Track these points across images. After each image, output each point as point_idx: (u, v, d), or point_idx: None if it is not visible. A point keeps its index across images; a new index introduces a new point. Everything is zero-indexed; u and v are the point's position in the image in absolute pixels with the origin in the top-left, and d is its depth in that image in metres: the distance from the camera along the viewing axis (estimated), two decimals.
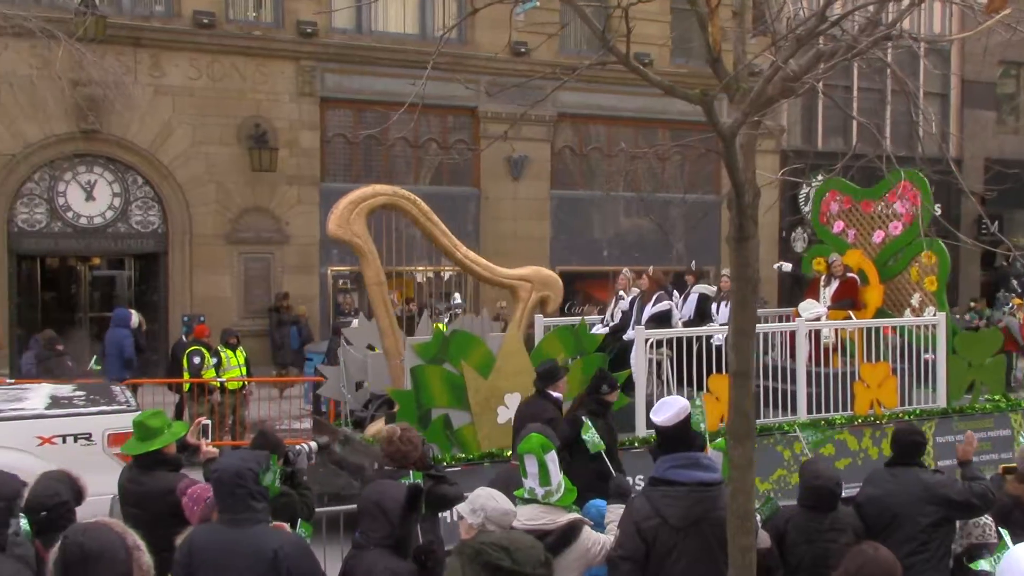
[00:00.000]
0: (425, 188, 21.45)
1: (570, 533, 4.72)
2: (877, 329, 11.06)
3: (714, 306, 12.39)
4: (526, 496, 4.82)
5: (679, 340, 10.26)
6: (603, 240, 23.14)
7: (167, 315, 19.08)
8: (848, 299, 11.90)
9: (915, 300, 11.95)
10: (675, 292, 12.64)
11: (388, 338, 9.91)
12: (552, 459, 4.81)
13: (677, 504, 4.75)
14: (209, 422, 7.95)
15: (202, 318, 16.63)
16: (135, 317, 15.34)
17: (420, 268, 20.87)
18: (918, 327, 11.20)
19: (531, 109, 6.30)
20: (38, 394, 9.44)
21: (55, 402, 9.11)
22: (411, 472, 5.36)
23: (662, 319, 10.88)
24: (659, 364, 10.52)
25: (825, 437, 10.00)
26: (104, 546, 3.48)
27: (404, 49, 20.38)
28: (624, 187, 21.37)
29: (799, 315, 11.71)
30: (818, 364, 10.82)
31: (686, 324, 11.86)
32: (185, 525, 4.84)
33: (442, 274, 21.94)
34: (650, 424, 9.34)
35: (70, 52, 15.84)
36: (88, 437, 8.49)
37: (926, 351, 11.02)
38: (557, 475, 4.81)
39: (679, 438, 4.96)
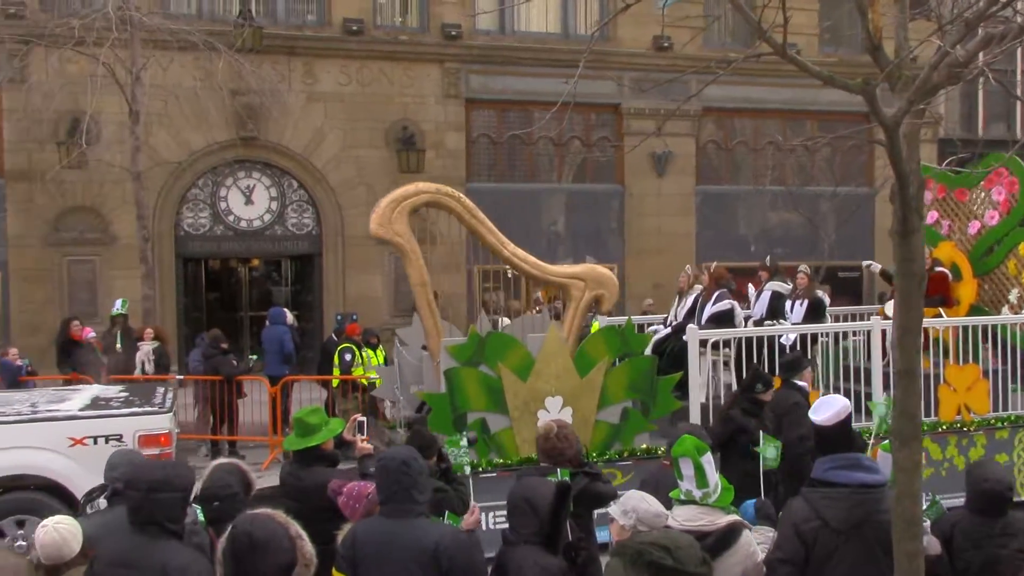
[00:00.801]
0: (568, 186, 21.58)
1: (730, 535, 4.65)
2: (968, 328, 10.24)
3: (787, 304, 11.56)
4: (682, 498, 4.78)
5: (741, 340, 9.95)
6: (749, 235, 22.69)
7: (321, 314, 19.72)
8: (937, 295, 11.13)
9: (1013, 296, 11.11)
10: (753, 288, 12.24)
11: (433, 339, 9.58)
12: (708, 461, 4.76)
13: (838, 506, 4.63)
14: (365, 419, 8.15)
15: (355, 316, 17.10)
16: (289, 316, 15.91)
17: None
18: (1015, 325, 10.44)
19: (684, 104, 6.23)
20: (82, 395, 9.64)
21: (94, 403, 9.22)
22: (559, 470, 5.38)
23: (723, 318, 10.44)
24: (725, 365, 10.21)
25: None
26: (270, 535, 3.66)
27: (547, 48, 20.50)
28: (772, 181, 20.94)
29: (884, 314, 11.10)
30: None
31: (757, 323, 11.34)
32: (344, 520, 4.97)
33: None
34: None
35: (230, 63, 16.61)
36: (119, 438, 8.51)
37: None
38: (714, 476, 4.75)
39: (839, 438, 4.82)
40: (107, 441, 8.49)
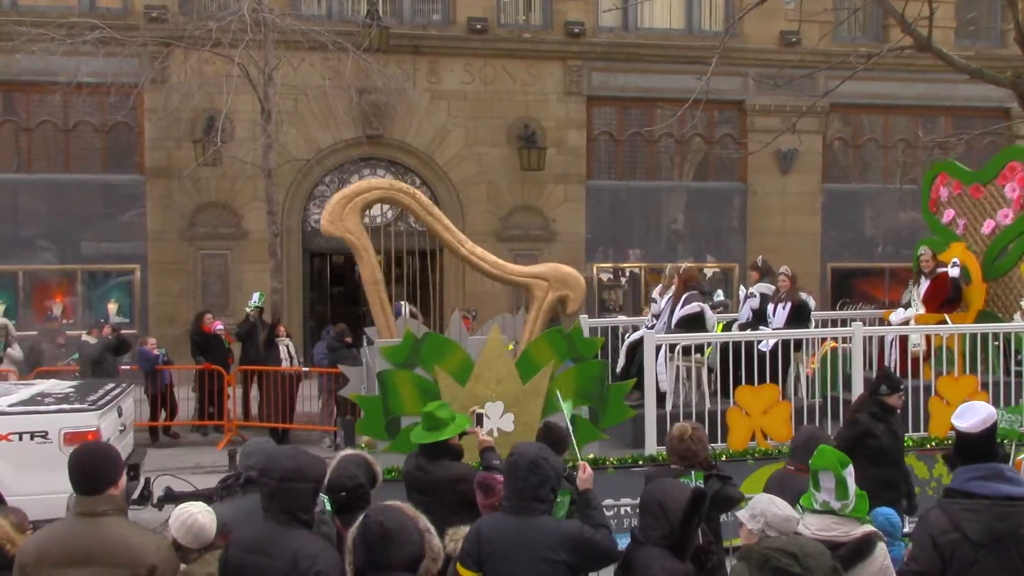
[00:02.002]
0: (689, 184, 21.33)
1: (864, 546, 4.51)
2: (976, 336, 9.52)
3: (769, 307, 10.73)
4: (817, 508, 4.65)
5: (723, 345, 9.53)
6: (877, 235, 22.03)
7: (442, 311, 19.96)
8: (942, 300, 10.46)
9: None
10: (745, 289, 11.63)
11: (385, 339, 9.14)
12: (850, 473, 4.61)
13: (979, 519, 4.44)
14: (483, 411, 8.19)
15: (474, 312, 17.27)
16: (406, 309, 16.15)
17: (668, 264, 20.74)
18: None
19: (820, 99, 6.07)
20: (27, 391, 9.66)
21: (31, 400, 9.19)
22: (693, 473, 5.32)
23: (692, 322, 9.81)
24: (696, 372, 9.70)
25: None
26: (401, 526, 3.73)
27: (670, 45, 20.32)
28: (903, 180, 20.27)
29: (888, 321, 10.66)
30: (904, 375, 9.48)
31: (742, 327, 10.77)
32: (471, 514, 5.02)
33: (704, 270, 21.72)
34: (660, 442, 8.65)
35: (357, 62, 16.98)
36: (44, 435, 8.50)
37: None
38: (853, 487, 4.61)
39: (982, 447, 4.61)
40: (32, 438, 8.53)
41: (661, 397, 9.19)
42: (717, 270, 21.78)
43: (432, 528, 3.97)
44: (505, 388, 8.40)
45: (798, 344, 9.80)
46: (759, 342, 9.44)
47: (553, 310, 9.18)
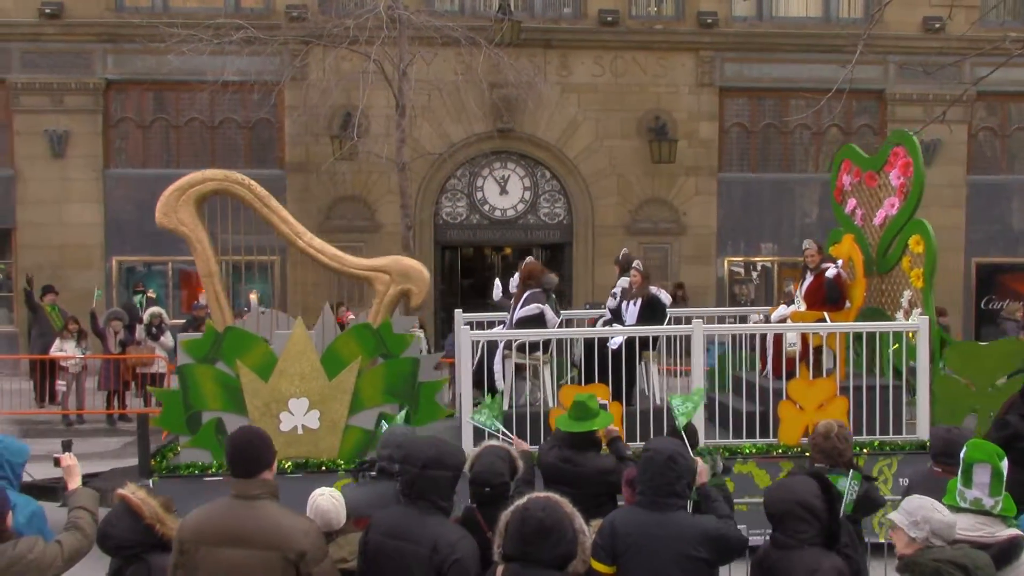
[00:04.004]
0: (824, 176, 20.67)
1: (1011, 549, 4.34)
2: (850, 335, 9.00)
3: (623, 305, 10.08)
4: (965, 506, 4.50)
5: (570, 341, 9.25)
6: None
7: (570, 302, 20.03)
8: (824, 296, 9.73)
9: (905, 299, 9.44)
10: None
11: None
12: (1005, 467, 4.46)
13: None
14: (606, 402, 8.19)
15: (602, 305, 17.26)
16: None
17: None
18: (894, 334, 8.92)
19: (971, 88, 5.84)
20: None
21: None
22: (850, 473, 5.21)
23: (531, 323, 9.27)
24: (536, 370, 9.21)
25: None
26: (558, 523, 3.76)
27: (806, 33, 19.86)
28: None
29: (767, 318, 10.06)
30: (779, 376, 9.03)
31: (606, 324, 10.21)
32: (613, 507, 5.03)
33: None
34: (477, 442, 8.02)
35: (489, 57, 17.15)
36: None
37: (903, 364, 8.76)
38: (1003, 484, 4.46)
39: None
40: None
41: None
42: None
43: (587, 529, 3.98)
44: (310, 384, 8.20)
45: (651, 342, 9.36)
46: (609, 339, 9.04)
47: (396, 303, 8.94)
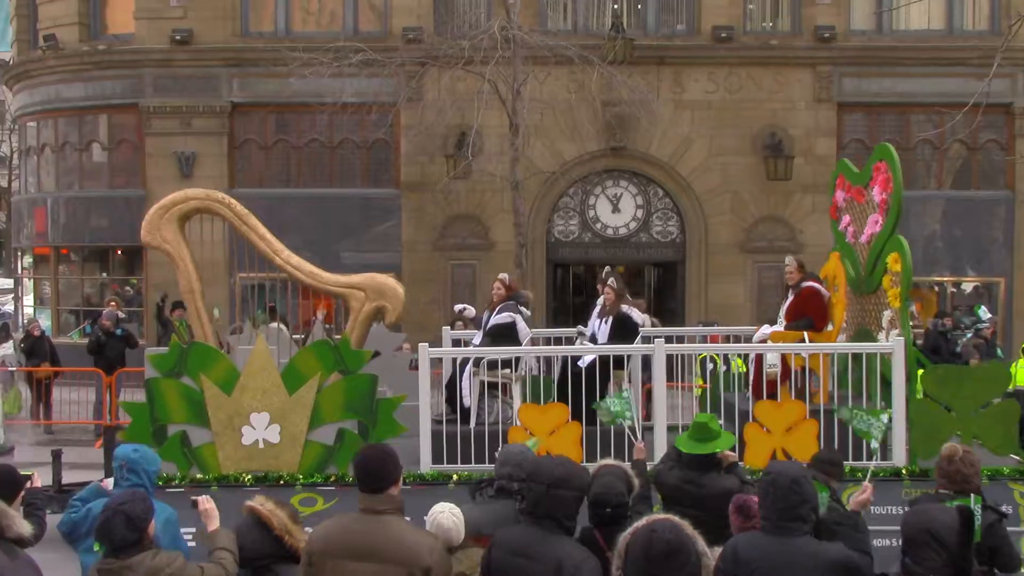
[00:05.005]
0: (947, 193, 20.16)
1: None
2: (829, 357, 8.58)
3: (596, 322, 9.79)
4: None
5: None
6: None
7: (683, 321, 19.84)
8: (805, 316, 9.23)
9: (885, 319, 8.81)
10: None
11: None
12: None
13: None
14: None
15: (716, 323, 17.06)
16: (647, 321, 16.14)
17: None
18: (868, 356, 8.34)
19: None
20: None
21: None
22: (972, 496, 5.02)
23: (502, 333, 9.17)
24: (504, 388, 8.98)
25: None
26: (684, 545, 3.71)
27: (928, 47, 19.35)
28: None
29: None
30: (759, 398, 8.60)
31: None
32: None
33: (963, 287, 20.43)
34: (436, 459, 8.26)
35: (602, 75, 17.18)
36: None
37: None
38: None
39: None
40: None
41: (466, 413, 8.85)
42: (979, 284, 20.44)
43: (708, 552, 3.93)
44: (270, 399, 8.24)
45: (620, 361, 9.03)
46: (578, 358, 8.81)
47: (372, 321, 8.90)
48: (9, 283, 33.53)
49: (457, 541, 4.79)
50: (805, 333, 9.08)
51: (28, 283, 23.96)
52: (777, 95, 19.70)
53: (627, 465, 5.49)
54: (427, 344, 8.79)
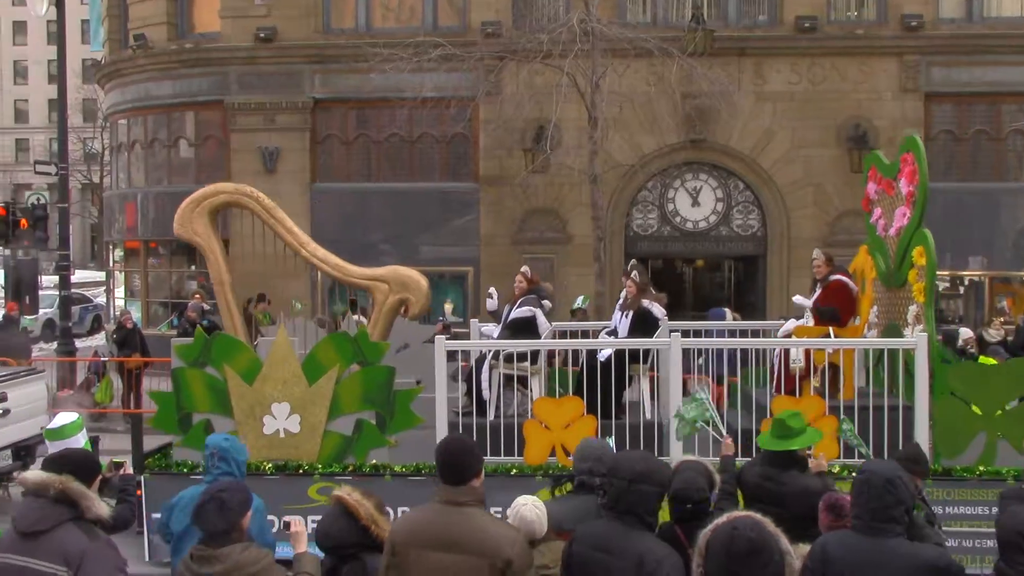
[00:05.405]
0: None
1: None
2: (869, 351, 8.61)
3: (617, 315, 9.75)
4: None
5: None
6: None
7: (764, 315, 19.56)
8: (830, 310, 9.05)
9: (911, 314, 8.58)
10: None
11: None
12: None
13: None
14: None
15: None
16: (730, 316, 15.94)
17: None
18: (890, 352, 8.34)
19: None
20: None
21: None
22: None
23: (522, 327, 9.30)
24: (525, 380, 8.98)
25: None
26: (767, 543, 3.65)
27: (1020, 35, 18.77)
28: None
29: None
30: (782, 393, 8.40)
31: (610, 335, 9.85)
32: (815, 530, 4.86)
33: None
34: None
35: (681, 67, 17.01)
36: None
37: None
38: None
39: None
40: None
41: (485, 405, 8.93)
42: None
43: (791, 550, 3.85)
44: (291, 389, 8.40)
45: (643, 355, 9.01)
46: (598, 352, 8.86)
47: (396, 313, 9.10)
48: (101, 276, 34.59)
49: (540, 534, 4.81)
50: (831, 328, 8.98)
51: (119, 276, 24.66)
52: (862, 85, 19.29)
53: (708, 460, 5.45)
54: (443, 336, 9.05)
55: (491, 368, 9.21)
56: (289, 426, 8.48)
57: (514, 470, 8.09)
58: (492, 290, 10.75)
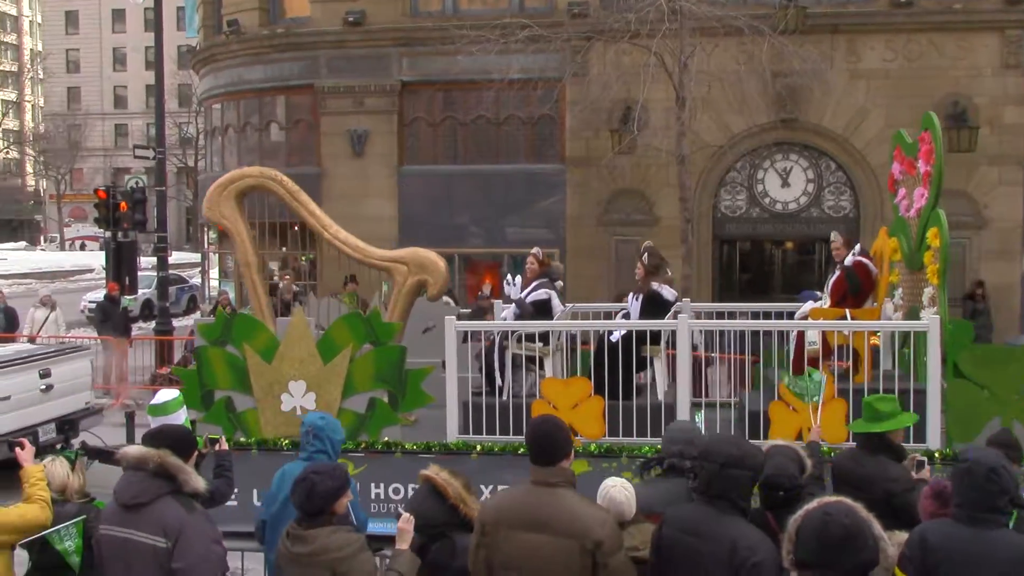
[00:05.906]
0: None
1: None
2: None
3: (630, 298, 9.93)
4: None
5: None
6: None
7: None
8: (843, 293, 8.93)
9: (926, 296, 8.55)
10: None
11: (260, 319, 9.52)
12: None
13: None
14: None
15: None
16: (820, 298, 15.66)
17: None
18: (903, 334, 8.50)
19: None
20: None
21: None
22: None
23: (538, 309, 9.50)
24: (538, 361, 9.19)
25: None
26: (861, 528, 3.59)
27: None
28: None
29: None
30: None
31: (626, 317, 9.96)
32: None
33: None
34: (463, 430, 8.61)
35: (772, 45, 16.68)
36: None
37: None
38: None
39: None
40: None
41: (498, 386, 9.07)
42: None
43: (885, 536, 3.78)
44: (307, 368, 8.67)
45: (654, 337, 9.02)
46: (610, 333, 9.05)
47: (415, 294, 9.37)
48: (196, 257, 35.50)
49: (629, 515, 4.81)
50: (847, 311, 8.97)
51: (214, 257, 25.29)
52: (961, 62, 18.66)
53: (799, 445, 5.37)
54: (454, 317, 9.20)
55: (503, 349, 9.45)
56: (306, 403, 8.75)
57: (521, 449, 8.20)
58: (509, 277, 11.10)
